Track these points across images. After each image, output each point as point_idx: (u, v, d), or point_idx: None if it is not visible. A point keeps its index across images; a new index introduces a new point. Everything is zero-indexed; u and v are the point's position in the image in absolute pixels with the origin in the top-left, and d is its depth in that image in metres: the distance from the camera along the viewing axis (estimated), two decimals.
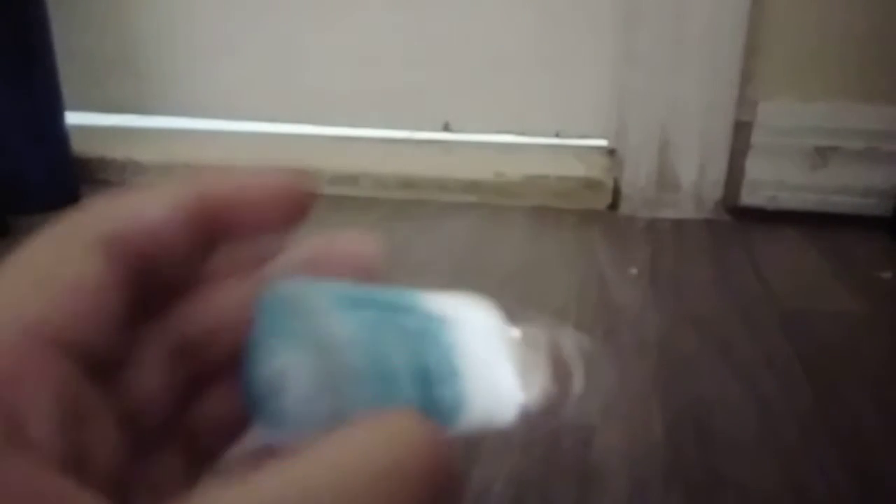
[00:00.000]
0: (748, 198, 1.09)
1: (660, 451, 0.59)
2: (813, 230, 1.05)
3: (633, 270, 0.93)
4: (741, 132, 1.07)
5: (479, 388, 0.17)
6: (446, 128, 1.24)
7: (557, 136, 1.21)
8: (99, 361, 0.17)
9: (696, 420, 0.63)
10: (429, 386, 0.17)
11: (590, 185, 1.14)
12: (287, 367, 0.17)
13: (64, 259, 0.17)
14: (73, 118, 1.16)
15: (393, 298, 0.18)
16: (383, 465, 0.14)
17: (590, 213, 1.13)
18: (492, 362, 0.18)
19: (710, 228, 1.08)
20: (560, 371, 0.19)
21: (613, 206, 1.14)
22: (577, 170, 1.15)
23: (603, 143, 1.18)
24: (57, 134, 1.14)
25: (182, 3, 1.26)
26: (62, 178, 1.14)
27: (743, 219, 1.10)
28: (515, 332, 0.18)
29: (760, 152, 1.07)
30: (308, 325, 0.17)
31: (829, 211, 1.07)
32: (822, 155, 1.06)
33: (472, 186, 1.16)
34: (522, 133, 1.22)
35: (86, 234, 0.17)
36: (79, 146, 1.17)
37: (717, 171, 1.09)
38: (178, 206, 0.18)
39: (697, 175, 1.10)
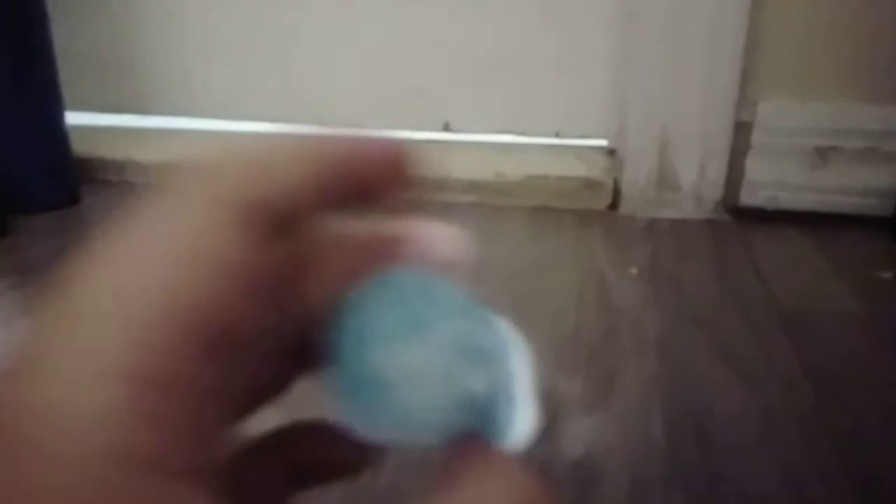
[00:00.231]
0: (748, 198, 1.09)
1: (660, 451, 0.59)
2: (813, 230, 1.05)
3: (633, 270, 0.93)
4: (741, 132, 1.07)
5: (519, 416, 0.18)
6: (446, 128, 1.24)
7: (557, 136, 1.21)
8: (235, 348, 0.15)
9: (696, 421, 0.63)
10: (489, 408, 0.18)
11: (590, 185, 1.14)
12: (402, 365, 0.17)
13: (203, 228, 0.14)
14: (72, 118, 1.16)
15: (476, 311, 0.19)
16: None
17: (590, 213, 1.13)
18: (530, 394, 0.19)
19: (710, 228, 1.08)
20: (553, 410, 0.20)
21: (613, 206, 1.14)
22: (577, 170, 1.15)
23: (603, 143, 1.18)
24: (57, 134, 1.13)
25: (181, 4, 1.26)
26: (62, 178, 1.14)
27: (743, 219, 1.10)
28: (534, 367, 0.20)
29: (760, 152, 1.07)
30: (423, 327, 0.18)
31: (829, 211, 1.07)
32: (822, 155, 1.06)
33: (472, 186, 1.16)
34: (522, 133, 1.22)
35: (223, 199, 0.15)
36: (79, 146, 1.17)
37: (717, 171, 1.09)
38: (314, 169, 0.17)
39: (697, 175, 1.10)
